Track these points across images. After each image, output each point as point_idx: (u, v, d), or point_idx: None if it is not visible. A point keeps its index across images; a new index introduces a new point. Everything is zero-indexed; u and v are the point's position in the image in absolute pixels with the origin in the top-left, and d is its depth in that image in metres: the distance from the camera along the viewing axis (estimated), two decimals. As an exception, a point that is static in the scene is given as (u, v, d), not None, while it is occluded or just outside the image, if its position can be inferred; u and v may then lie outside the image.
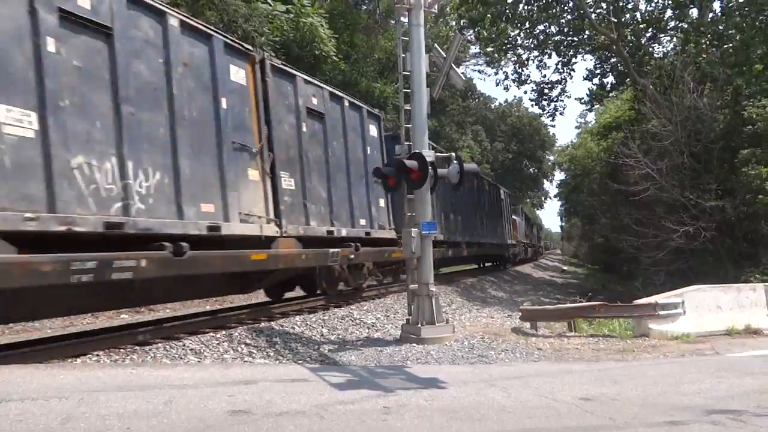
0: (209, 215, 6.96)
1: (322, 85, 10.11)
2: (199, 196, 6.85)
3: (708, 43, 17.65)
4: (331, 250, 9.30)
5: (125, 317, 10.14)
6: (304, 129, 9.14)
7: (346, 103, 10.62)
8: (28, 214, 4.95)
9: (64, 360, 5.83)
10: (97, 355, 6.11)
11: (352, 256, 9.88)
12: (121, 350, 6.35)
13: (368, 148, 11.30)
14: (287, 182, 8.61)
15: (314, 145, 9.44)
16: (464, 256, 19.58)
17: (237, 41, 8.17)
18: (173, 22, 6.74)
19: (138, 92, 6.20)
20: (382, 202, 11.73)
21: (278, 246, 8.18)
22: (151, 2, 6.53)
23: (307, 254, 8.75)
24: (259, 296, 12.23)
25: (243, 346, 7.00)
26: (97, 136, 5.70)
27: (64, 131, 5.35)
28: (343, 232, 9.84)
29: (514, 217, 32.64)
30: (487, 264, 27.00)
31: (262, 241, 7.91)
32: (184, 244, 6.31)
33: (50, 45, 5.30)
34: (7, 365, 5.06)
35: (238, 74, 7.88)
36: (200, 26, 7.30)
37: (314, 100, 9.58)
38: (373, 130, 11.78)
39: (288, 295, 11.05)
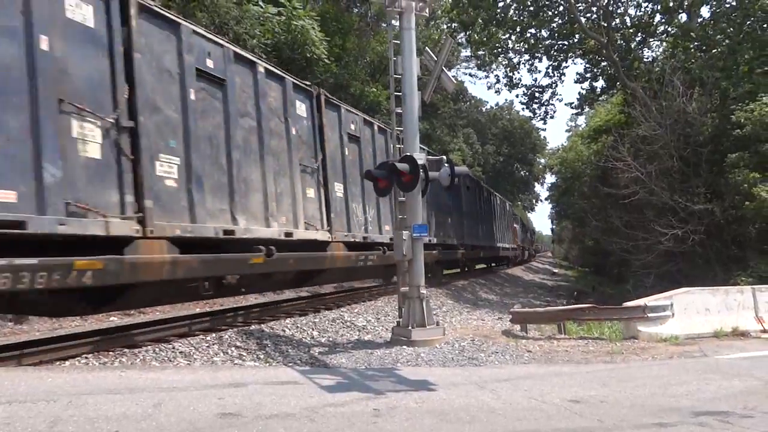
0: (388, 232, 11.97)
1: (429, 151, 15.05)
2: (386, 222, 12.06)
3: (696, 47, 17.82)
4: (433, 251, 14.93)
5: (114, 319, 10.06)
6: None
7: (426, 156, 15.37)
8: (345, 233, 10.23)
9: (53, 362, 5.79)
10: (86, 357, 6.07)
11: (441, 256, 16.03)
12: (110, 353, 6.31)
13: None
14: None
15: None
16: (483, 257, 25.44)
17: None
18: (375, 128, 12.12)
19: (366, 167, 10.75)
20: (450, 221, 18.01)
21: None
22: (372, 119, 12.45)
23: (431, 254, 14.16)
24: (249, 299, 12.22)
25: (233, 348, 6.97)
26: (356, 192, 11.01)
27: (350, 192, 10.71)
28: (435, 241, 15.44)
29: (514, 224, 38.49)
30: (492, 264, 31.06)
31: None
32: (384, 247, 11.34)
33: (347, 151, 10.73)
34: (-6, 368, 5.03)
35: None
36: (377, 122, 12.54)
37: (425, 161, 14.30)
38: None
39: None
